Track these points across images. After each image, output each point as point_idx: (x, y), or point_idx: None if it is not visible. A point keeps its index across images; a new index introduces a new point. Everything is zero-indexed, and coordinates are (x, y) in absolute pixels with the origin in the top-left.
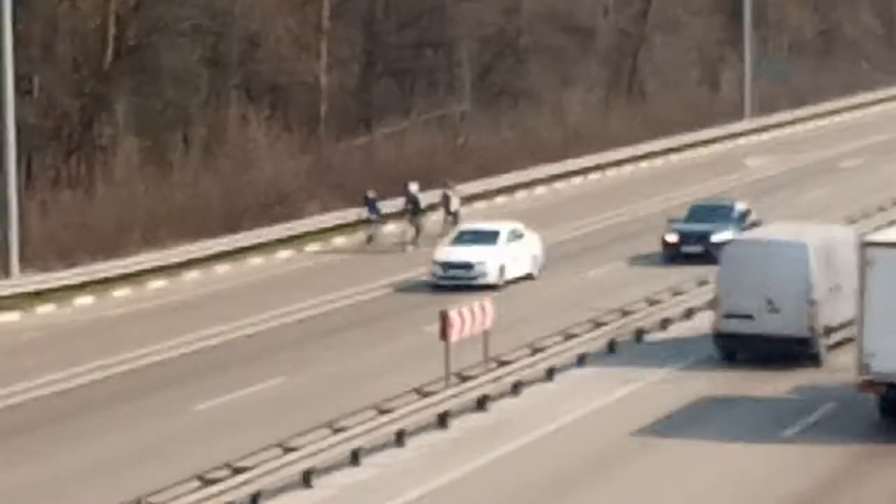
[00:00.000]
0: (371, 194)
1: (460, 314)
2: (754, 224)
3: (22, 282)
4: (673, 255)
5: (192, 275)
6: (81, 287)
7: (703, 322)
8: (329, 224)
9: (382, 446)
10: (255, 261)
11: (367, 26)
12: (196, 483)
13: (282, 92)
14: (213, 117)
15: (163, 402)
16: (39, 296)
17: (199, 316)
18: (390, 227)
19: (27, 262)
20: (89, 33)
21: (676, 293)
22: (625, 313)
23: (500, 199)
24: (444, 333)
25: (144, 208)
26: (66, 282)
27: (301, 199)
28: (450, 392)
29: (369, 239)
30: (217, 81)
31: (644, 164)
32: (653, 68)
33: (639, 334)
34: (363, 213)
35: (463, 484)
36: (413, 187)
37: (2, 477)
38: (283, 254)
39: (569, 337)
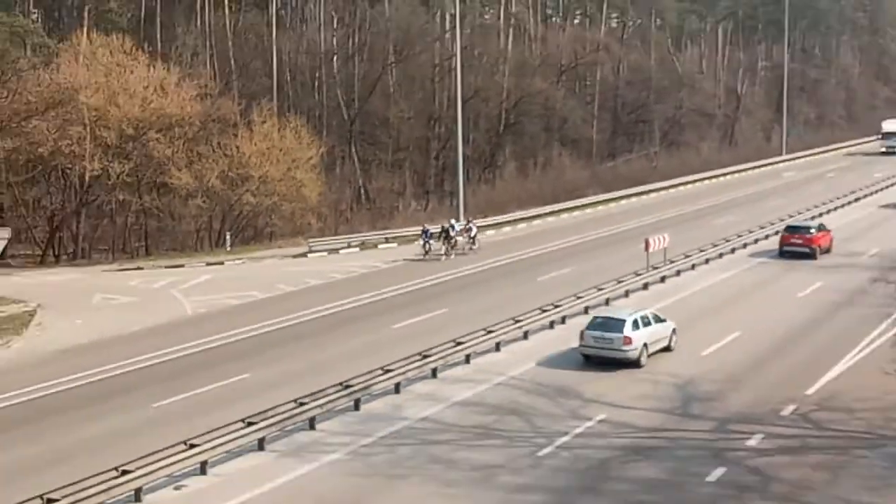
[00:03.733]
0: (426, 226)
1: (654, 239)
2: None
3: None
4: None
5: (536, 221)
6: (491, 226)
7: None
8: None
9: (620, 298)
10: (565, 215)
11: (613, 114)
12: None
13: (576, 142)
14: (545, 153)
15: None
16: (488, 227)
17: (528, 243)
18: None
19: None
20: (493, 116)
21: None
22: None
23: (672, 191)
24: (646, 247)
25: (515, 193)
26: (483, 223)
27: (583, 190)
28: (648, 274)
29: (426, 252)
30: (548, 137)
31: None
32: (741, 132)
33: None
34: (421, 237)
35: (665, 307)
36: (450, 223)
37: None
38: (574, 213)
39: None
